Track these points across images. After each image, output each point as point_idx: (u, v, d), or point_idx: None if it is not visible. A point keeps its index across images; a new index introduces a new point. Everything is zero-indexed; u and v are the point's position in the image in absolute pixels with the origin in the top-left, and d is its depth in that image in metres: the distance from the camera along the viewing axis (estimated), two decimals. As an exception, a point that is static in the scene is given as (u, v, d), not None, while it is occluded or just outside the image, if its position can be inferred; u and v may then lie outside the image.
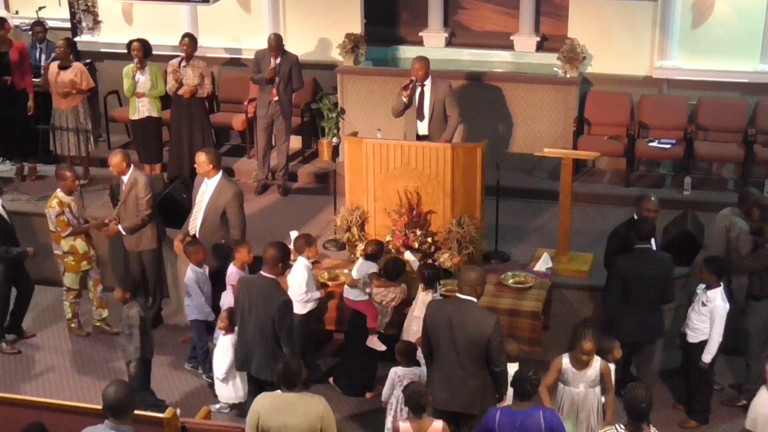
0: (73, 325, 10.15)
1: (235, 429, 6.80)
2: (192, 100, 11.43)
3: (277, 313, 7.52)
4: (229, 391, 8.60)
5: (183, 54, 11.35)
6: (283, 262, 7.79)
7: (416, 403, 6.64)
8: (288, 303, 7.66)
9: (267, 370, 7.69)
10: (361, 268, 8.85)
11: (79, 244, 9.79)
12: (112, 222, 9.84)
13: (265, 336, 7.63)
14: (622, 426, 6.29)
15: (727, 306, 8.15)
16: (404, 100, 10.18)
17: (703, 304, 8.20)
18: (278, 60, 11.27)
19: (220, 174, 9.36)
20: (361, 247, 9.35)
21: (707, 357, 8.24)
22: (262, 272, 7.76)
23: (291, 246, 9.54)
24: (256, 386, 7.91)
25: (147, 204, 9.67)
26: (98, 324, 10.17)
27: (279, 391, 6.52)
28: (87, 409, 6.64)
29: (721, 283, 8.21)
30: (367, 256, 8.87)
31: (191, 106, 11.47)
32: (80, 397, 8.85)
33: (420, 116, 10.25)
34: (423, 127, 10.28)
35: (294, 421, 6.33)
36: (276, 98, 11.32)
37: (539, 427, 6.47)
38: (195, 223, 9.43)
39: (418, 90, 10.22)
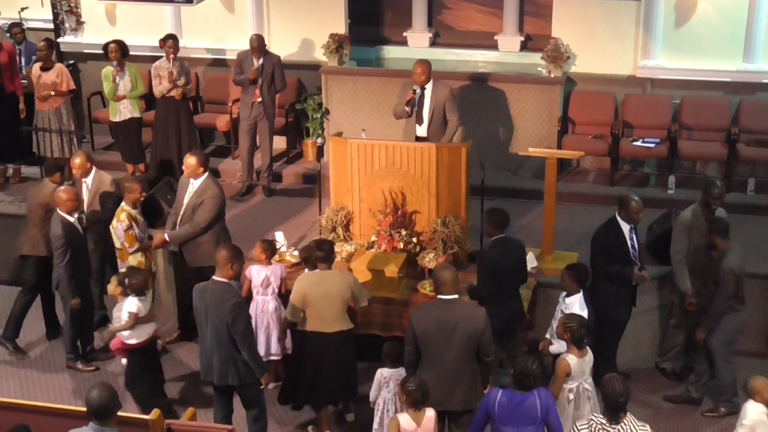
0: None
1: (221, 430, 6.79)
2: (180, 100, 11.39)
3: (230, 315, 7.41)
4: None
5: (171, 55, 11.30)
6: (235, 264, 7.61)
7: (423, 396, 6.78)
8: (240, 304, 7.55)
9: (227, 376, 7.62)
10: (127, 305, 8.40)
11: (145, 260, 9.31)
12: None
13: (222, 341, 7.51)
14: (597, 415, 6.31)
15: (585, 313, 7.92)
16: (407, 109, 10.08)
17: (562, 312, 8.02)
18: (261, 61, 11.24)
19: (206, 175, 9.34)
20: (346, 248, 9.36)
21: None
22: (214, 276, 7.64)
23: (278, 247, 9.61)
24: (221, 395, 7.85)
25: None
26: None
27: (317, 269, 8.04)
28: (72, 412, 6.60)
29: (581, 290, 8.09)
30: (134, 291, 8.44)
31: (179, 107, 11.42)
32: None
33: (419, 120, 10.13)
34: (422, 131, 10.16)
35: (332, 290, 7.93)
36: (259, 99, 11.29)
37: (535, 407, 6.59)
38: (175, 221, 9.42)
39: (419, 93, 10.13)
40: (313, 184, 10.93)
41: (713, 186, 8.80)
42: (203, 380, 8.04)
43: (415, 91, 10.07)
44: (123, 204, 9.23)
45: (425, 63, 10.14)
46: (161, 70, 11.34)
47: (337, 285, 7.99)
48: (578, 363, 7.36)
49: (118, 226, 9.15)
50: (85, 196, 9.66)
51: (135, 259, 9.25)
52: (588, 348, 7.46)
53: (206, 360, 7.74)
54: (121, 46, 11.36)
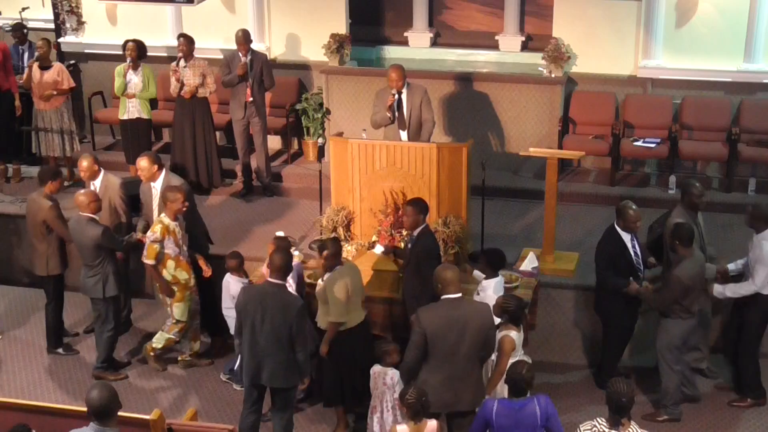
0: (152, 354, 9.32)
1: (222, 430, 6.77)
2: (195, 100, 11.31)
3: (296, 318, 7.49)
4: None
5: (180, 54, 11.27)
6: (289, 267, 7.77)
7: (422, 407, 6.73)
8: (306, 307, 7.72)
9: (281, 378, 7.64)
10: None
11: (180, 273, 9.01)
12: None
13: (282, 343, 7.52)
14: (602, 419, 6.29)
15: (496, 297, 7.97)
16: (389, 115, 9.97)
17: (478, 293, 8.13)
18: (249, 56, 11.21)
19: (163, 172, 9.35)
20: (348, 249, 9.36)
21: None
22: (270, 279, 7.66)
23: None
24: (257, 400, 7.83)
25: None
26: (188, 359, 9.46)
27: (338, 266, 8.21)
28: (72, 412, 6.60)
29: (500, 275, 8.18)
30: None
31: (194, 107, 11.37)
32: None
33: (402, 125, 10.01)
34: (406, 136, 10.01)
35: (360, 280, 8.32)
36: (251, 99, 11.26)
37: (535, 414, 6.58)
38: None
39: (397, 98, 10.00)
40: (314, 184, 10.92)
41: (693, 186, 8.75)
42: (252, 384, 7.78)
43: (394, 95, 9.95)
44: (162, 216, 8.90)
45: (400, 68, 10.01)
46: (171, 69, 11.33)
47: (359, 275, 8.35)
48: (518, 337, 7.50)
49: (149, 235, 8.87)
50: None
51: (169, 273, 8.95)
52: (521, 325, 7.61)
53: (256, 362, 7.65)
54: (139, 46, 11.34)
